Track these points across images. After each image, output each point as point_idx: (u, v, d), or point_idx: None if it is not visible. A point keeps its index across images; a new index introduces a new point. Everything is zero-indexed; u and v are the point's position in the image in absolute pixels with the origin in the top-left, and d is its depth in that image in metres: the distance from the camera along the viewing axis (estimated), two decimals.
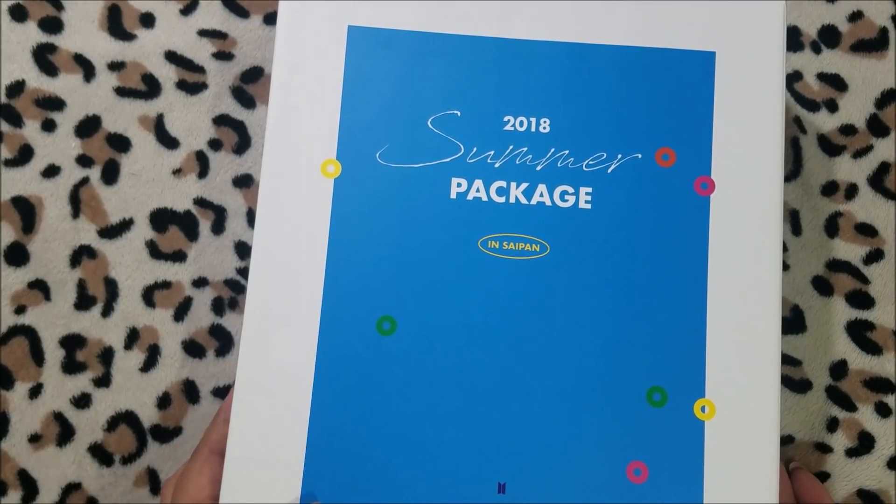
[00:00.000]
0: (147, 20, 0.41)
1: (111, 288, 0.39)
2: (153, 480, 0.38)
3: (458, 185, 0.32)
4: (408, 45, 0.32)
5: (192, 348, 0.39)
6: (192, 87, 0.40)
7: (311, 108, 0.32)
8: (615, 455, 0.30)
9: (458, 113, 0.32)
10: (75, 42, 0.40)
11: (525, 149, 0.32)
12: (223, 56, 0.41)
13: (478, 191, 0.31)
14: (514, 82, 0.32)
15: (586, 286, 0.31)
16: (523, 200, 0.31)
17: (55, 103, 0.40)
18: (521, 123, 0.32)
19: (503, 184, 0.32)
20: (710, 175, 0.31)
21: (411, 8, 0.32)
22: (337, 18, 0.33)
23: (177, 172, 0.40)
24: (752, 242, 0.31)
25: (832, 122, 0.40)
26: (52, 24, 0.40)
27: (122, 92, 0.40)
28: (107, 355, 0.38)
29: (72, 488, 0.37)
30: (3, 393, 0.38)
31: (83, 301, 0.39)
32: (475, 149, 0.32)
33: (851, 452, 0.38)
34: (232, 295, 0.39)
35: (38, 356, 0.38)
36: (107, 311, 0.39)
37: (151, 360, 0.38)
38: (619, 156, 0.32)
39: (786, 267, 0.39)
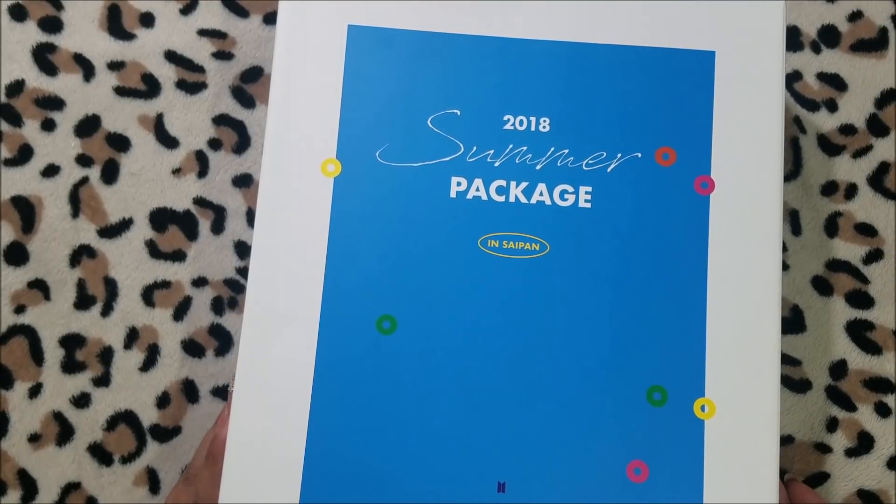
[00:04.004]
0: (147, 20, 0.41)
1: (111, 287, 0.39)
2: (153, 480, 0.38)
3: (458, 184, 0.32)
4: (408, 45, 0.32)
5: (192, 348, 0.39)
6: (191, 87, 0.40)
7: (311, 108, 0.32)
8: (615, 454, 0.30)
9: (458, 112, 0.32)
10: (75, 42, 0.40)
11: (525, 148, 0.32)
12: (223, 56, 0.41)
13: (477, 190, 0.31)
14: (513, 81, 0.32)
15: (586, 285, 0.31)
16: (523, 199, 0.31)
17: (55, 103, 0.40)
18: (521, 123, 0.32)
19: (503, 183, 0.32)
20: (710, 174, 0.31)
21: (411, 7, 0.32)
22: (337, 18, 0.33)
23: (176, 172, 0.40)
24: (752, 242, 0.31)
25: (832, 122, 0.40)
26: (52, 24, 0.40)
27: (121, 91, 0.40)
28: (106, 355, 0.38)
29: (71, 488, 0.37)
30: (3, 392, 0.38)
31: (83, 301, 0.39)
32: (475, 148, 0.32)
33: (851, 452, 0.38)
34: (231, 294, 0.39)
35: (37, 356, 0.38)
36: (106, 311, 0.39)
37: (151, 359, 0.38)
38: (619, 155, 0.32)
39: (786, 267, 0.39)
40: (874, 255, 0.39)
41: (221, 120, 0.40)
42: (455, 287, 0.31)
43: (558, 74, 0.32)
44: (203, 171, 0.40)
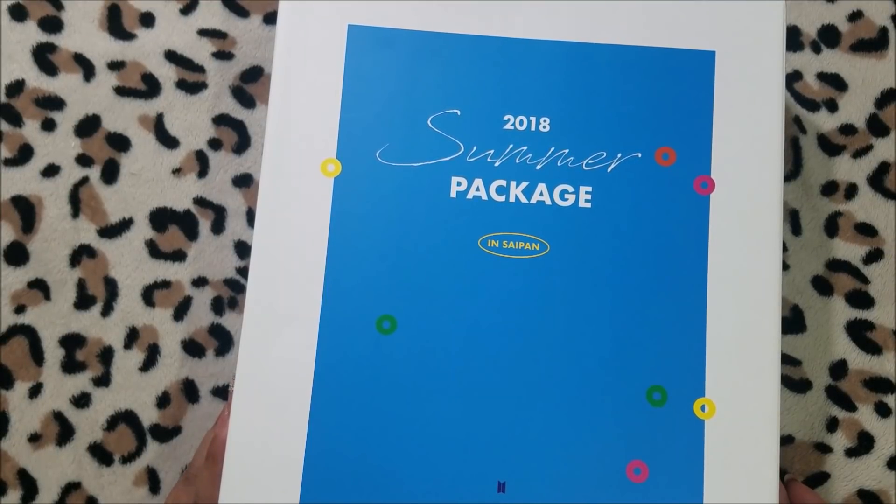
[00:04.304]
0: (147, 20, 0.41)
1: (111, 287, 0.39)
2: (153, 480, 0.38)
3: (458, 183, 0.32)
4: (408, 45, 0.32)
5: (192, 348, 0.39)
6: (191, 87, 0.40)
7: (311, 108, 0.32)
8: (615, 454, 0.30)
9: (458, 112, 0.32)
10: (75, 42, 0.40)
11: (525, 148, 0.32)
12: (223, 56, 0.41)
13: (478, 190, 0.31)
14: (513, 81, 0.32)
15: (586, 285, 0.31)
16: (523, 199, 0.31)
17: (55, 103, 0.40)
18: (521, 122, 0.32)
19: (503, 183, 0.32)
20: (710, 174, 0.31)
21: (411, 7, 0.32)
22: (337, 18, 0.33)
23: (176, 172, 0.40)
24: (752, 242, 0.31)
25: (832, 122, 0.40)
26: (52, 24, 0.40)
27: (121, 91, 0.40)
28: (106, 355, 0.38)
29: (71, 488, 0.37)
30: (3, 392, 0.38)
31: (83, 301, 0.39)
32: (475, 148, 0.32)
33: (851, 452, 0.38)
34: (231, 294, 0.39)
35: (37, 356, 0.38)
36: (106, 311, 0.39)
37: (151, 359, 0.38)
38: (619, 155, 0.32)
39: (786, 267, 0.39)
40: (874, 255, 0.39)
41: (221, 120, 0.40)
42: (455, 287, 0.31)
43: (558, 74, 0.32)
44: (203, 171, 0.40)
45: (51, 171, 0.39)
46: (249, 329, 0.31)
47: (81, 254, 0.39)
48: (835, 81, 0.41)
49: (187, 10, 0.41)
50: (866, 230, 0.39)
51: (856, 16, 0.41)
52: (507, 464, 0.30)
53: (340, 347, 0.31)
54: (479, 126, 0.32)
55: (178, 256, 0.39)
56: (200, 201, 0.40)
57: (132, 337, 0.38)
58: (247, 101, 0.40)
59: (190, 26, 0.41)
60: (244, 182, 0.40)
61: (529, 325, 0.31)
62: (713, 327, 0.31)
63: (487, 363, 0.30)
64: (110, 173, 0.40)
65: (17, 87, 0.40)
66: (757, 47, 0.32)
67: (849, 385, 0.38)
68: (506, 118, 0.32)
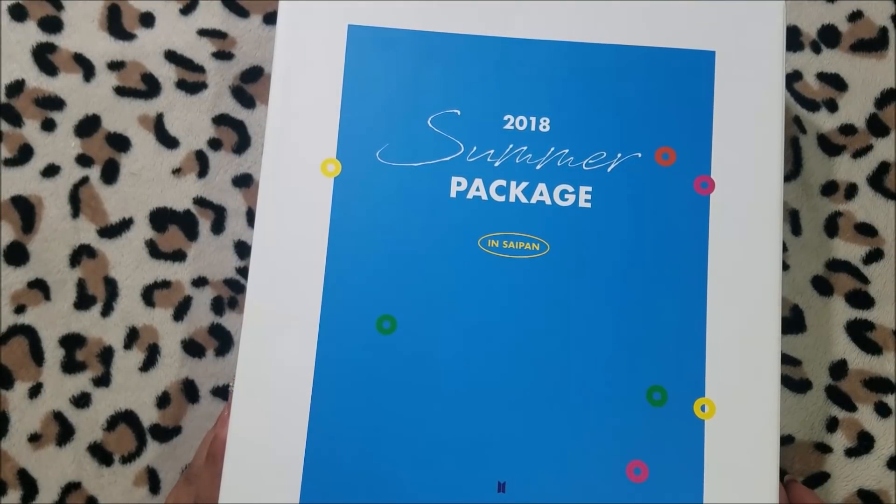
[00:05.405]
0: (147, 20, 0.41)
1: (111, 287, 0.39)
2: (153, 480, 0.38)
3: (458, 183, 0.32)
4: (408, 45, 0.32)
5: (192, 348, 0.39)
6: (191, 87, 0.40)
7: (311, 108, 0.32)
8: (615, 454, 0.30)
9: (458, 112, 0.32)
10: (75, 42, 0.40)
11: (525, 148, 0.32)
12: (223, 56, 0.41)
13: (478, 190, 0.32)
14: (514, 81, 0.32)
15: (586, 285, 0.31)
16: (523, 199, 0.31)
17: (55, 103, 0.40)
18: (521, 122, 0.32)
19: (503, 183, 0.32)
20: (710, 174, 0.31)
21: (411, 7, 0.32)
22: (337, 18, 0.33)
23: (176, 172, 0.40)
24: (752, 242, 0.31)
25: (832, 122, 0.40)
26: (52, 24, 0.40)
27: (121, 91, 0.40)
28: (106, 355, 0.38)
29: (71, 488, 0.37)
30: (3, 392, 0.38)
31: (83, 301, 0.39)
32: (475, 148, 0.32)
33: (851, 452, 0.38)
34: (232, 294, 0.39)
35: (37, 356, 0.38)
36: (106, 311, 0.39)
37: (151, 359, 0.38)
38: (619, 155, 0.32)
39: (786, 267, 0.39)
40: (874, 255, 0.39)
41: (221, 120, 0.40)
42: (455, 287, 0.31)
43: (558, 74, 0.32)
44: (203, 171, 0.40)
45: (51, 171, 0.39)
46: (249, 329, 0.31)
47: (81, 254, 0.39)
48: (835, 81, 0.41)
49: (187, 10, 0.41)
50: (866, 230, 0.39)
51: (856, 16, 0.41)
52: (507, 464, 0.30)
53: (340, 347, 0.31)
54: (479, 126, 0.32)
55: (178, 256, 0.39)
56: (200, 201, 0.40)
57: (132, 337, 0.38)
58: (247, 101, 0.40)
59: (190, 26, 0.41)
60: (244, 182, 0.40)
61: (529, 325, 0.31)
62: (713, 327, 0.31)
63: (487, 363, 0.30)
64: (110, 173, 0.40)
65: (17, 87, 0.40)
66: (757, 47, 0.32)
67: (849, 385, 0.38)
68: (506, 118, 0.32)
